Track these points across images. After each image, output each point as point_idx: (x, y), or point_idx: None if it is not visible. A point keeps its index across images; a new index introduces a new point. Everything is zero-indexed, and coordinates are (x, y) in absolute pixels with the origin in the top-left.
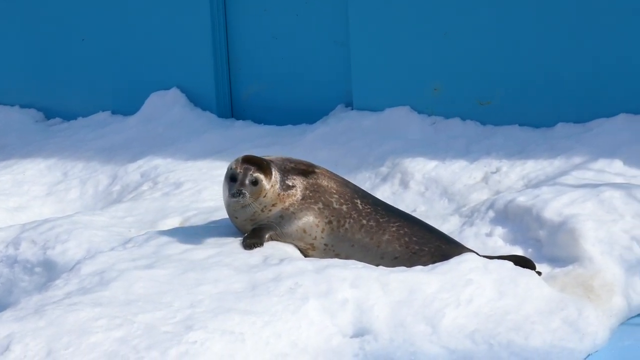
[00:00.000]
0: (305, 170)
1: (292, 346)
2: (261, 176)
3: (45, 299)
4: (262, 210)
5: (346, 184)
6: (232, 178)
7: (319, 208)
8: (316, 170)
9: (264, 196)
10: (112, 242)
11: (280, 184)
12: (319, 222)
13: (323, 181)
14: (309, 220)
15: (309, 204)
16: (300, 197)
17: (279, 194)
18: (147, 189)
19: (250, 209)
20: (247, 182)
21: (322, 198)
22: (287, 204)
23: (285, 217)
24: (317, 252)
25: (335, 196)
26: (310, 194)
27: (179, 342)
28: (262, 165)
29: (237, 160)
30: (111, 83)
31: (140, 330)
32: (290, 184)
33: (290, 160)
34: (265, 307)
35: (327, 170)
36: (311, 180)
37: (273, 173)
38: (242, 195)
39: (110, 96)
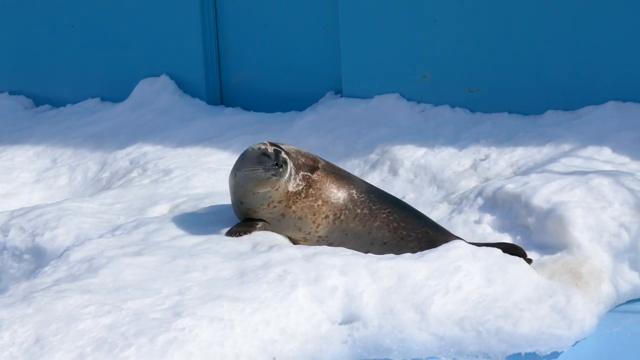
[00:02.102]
0: (313, 166)
1: (281, 333)
2: (288, 159)
3: (34, 285)
4: (267, 205)
5: (343, 175)
6: (264, 155)
7: (318, 205)
8: (319, 165)
9: (276, 189)
10: (101, 229)
11: (292, 182)
12: (316, 218)
13: (325, 177)
14: (307, 219)
15: (310, 202)
16: (303, 196)
17: (287, 192)
18: (136, 176)
19: (257, 198)
20: (280, 160)
21: (323, 195)
22: (290, 202)
23: (286, 215)
24: (309, 242)
25: (334, 191)
26: (313, 192)
27: (167, 329)
28: (286, 152)
29: (263, 143)
30: (100, 70)
31: (128, 317)
32: (299, 182)
33: (300, 154)
34: (254, 294)
35: (328, 163)
36: (315, 177)
37: (290, 166)
38: (281, 169)
39: (100, 83)
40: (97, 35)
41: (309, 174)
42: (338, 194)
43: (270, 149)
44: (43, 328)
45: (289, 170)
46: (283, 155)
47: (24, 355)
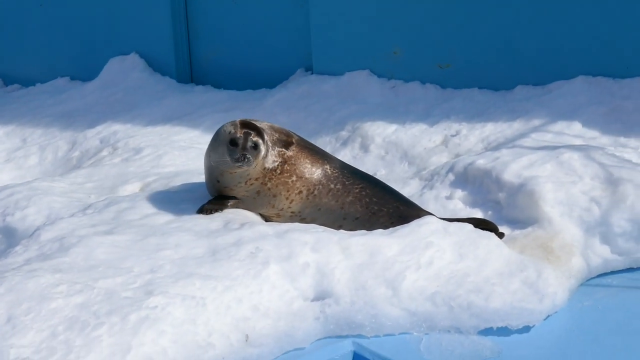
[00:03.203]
0: (287, 141)
1: (254, 310)
2: (260, 140)
3: (5, 265)
4: (245, 183)
5: (317, 150)
6: (232, 142)
7: (292, 181)
8: (293, 141)
9: (254, 167)
10: (71, 208)
11: (269, 159)
12: (289, 194)
13: (299, 152)
14: (281, 196)
15: (285, 178)
16: (279, 172)
17: (264, 168)
18: (106, 155)
19: (235, 177)
20: (248, 146)
21: (297, 171)
22: (267, 178)
23: (261, 192)
24: (283, 219)
25: (308, 166)
26: (288, 168)
27: (139, 308)
28: (260, 131)
29: (234, 125)
30: (70, 49)
31: (100, 296)
32: (275, 158)
33: (274, 129)
34: (226, 272)
35: (301, 138)
36: (290, 153)
37: (266, 141)
38: (247, 160)
39: (69, 62)
40: (66, 14)
41: (283, 149)
42: (312, 169)
43: (240, 134)
44: (14, 307)
45: (262, 151)
46: (253, 137)
47: None
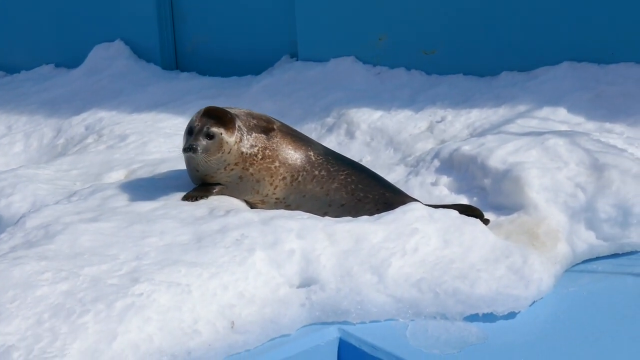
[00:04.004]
0: (266, 127)
1: (239, 297)
2: (219, 130)
3: None
4: (224, 169)
5: (300, 137)
6: (189, 131)
7: (275, 167)
8: (275, 127)
9: (228, 152)
10: (57, 195)
11: (245, 143)
12: (273, 180)
13: (281, 138)
14: (264, 181)
15: (267, 164)
16: (260, 158)
17: (242, 153)
18: (92, 142)
19: (212, 164)
20: (201, 136)
21: (279, 156)
22: (247, 163)
23: (244, 178)
24: (267, 205)
25: (291, 152)
26: (270, 153)
27: (125, 295)
28: (224, 119)
29: (198, 112)
30: (55, 35)
31: (86, 283)
32: (254, 143)
33: (252, 116)
34: (212, 259)
35: (283, 125)
36: (271, 139)
37: (237, 127)
38: (192, 151)
39: (54, 49)
40: (50, 1)
41: (263, 135)
42: (295, 155)
43: (198, 122)
44: (0, 295)
45: (217, 141)
46: (211, 127)
47: None
